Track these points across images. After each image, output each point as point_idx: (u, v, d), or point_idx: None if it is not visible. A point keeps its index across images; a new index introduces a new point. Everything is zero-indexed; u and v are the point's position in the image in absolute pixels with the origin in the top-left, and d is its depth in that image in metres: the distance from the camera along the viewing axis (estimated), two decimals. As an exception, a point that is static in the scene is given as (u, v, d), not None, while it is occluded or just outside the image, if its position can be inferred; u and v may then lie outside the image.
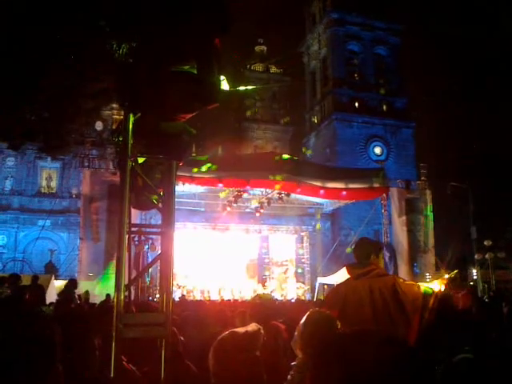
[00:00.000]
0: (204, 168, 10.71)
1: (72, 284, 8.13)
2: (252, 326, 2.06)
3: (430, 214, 16.10)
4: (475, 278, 20.50)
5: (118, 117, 22.94)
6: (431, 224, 16.10)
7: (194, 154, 9.38)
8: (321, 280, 15.97)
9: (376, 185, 14.38)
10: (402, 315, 2.61)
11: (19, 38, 6.49)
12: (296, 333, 2.03)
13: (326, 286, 15.08)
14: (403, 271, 14.72)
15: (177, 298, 12.01)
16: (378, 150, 27.90)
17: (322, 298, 12.70)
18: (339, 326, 2.03)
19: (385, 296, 2.65)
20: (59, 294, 8.35)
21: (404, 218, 15.39)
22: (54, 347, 1.63)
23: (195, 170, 10.27)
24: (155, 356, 2.44)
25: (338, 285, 3.07)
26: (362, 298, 2.65)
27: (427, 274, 15.82)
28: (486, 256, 17.95)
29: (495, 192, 24.15)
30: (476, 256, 18.80)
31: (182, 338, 3.47)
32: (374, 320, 2.59)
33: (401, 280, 2.86)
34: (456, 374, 1.51)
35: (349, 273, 2.90)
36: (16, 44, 6.37)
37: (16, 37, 6.44)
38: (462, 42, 30.50)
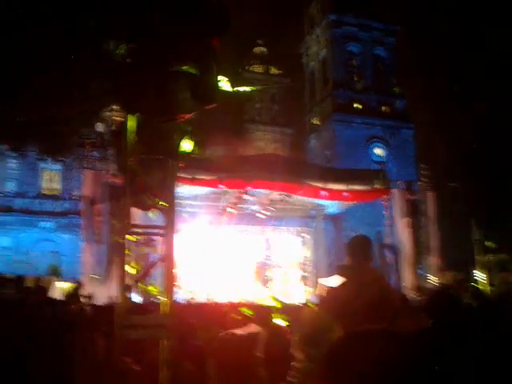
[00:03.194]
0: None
1: (79, 286, 8.18)
2: (252, 328, 2.05)
3: (433, 216, 16.07)
4: (477, 279, 20.45)
5: (118, 118, 22.88)
6: (434, 225, 16.08)
7: (195, 156, 9.30)
8: (321, 281, 15.87)
9: (377, 186, 14.33)
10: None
11: (16, 37, 6.52)
12: (296, 336, 2.01)
13: (325, 288, 14.97)
14: (407, 273, 14.66)
15: (181, 301, 11.90)
16: (378, 151, 27.89)
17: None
18: (336, 326, 2.02)
19: (389, 301, 2.59)
20: (66, 296, 8.35)
21: (406, 219, 15.34)
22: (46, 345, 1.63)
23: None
24: (153, 355, 2.45)
25: (336, 288, 2.91)
26: (370, 305, 2.48)
27: (431, 276, 15.76)
28: (489, 258, 17.90)
29: (498, 193, 24.07)
30: (478, 257, 18.74)
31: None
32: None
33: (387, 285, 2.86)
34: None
35: (345, 275, 2.77)
36: (12, 43, 6.41)
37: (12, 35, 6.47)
38: (461, 42, 30.43)
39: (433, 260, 16.13)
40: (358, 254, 2.84)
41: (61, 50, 6.66)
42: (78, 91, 7.87)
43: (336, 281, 2.90)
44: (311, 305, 12.06)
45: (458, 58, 28.99)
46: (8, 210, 25.27)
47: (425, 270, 16.09)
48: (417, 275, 15.27)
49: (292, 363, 2.03)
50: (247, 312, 4.04)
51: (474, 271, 21.88)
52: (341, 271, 2.88)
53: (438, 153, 24.07)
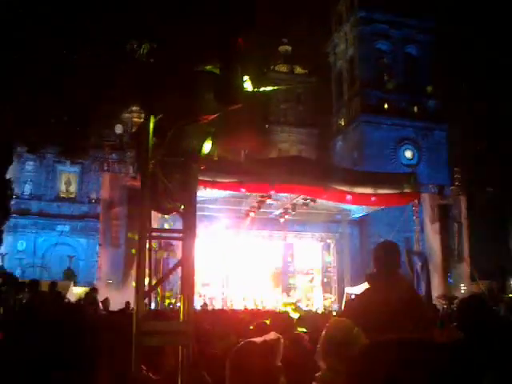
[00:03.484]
0: None
1: (95, 291, 8.20)
2: (271, 335, 1.98)
3: (465, 221, 15.37)
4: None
5: (137, 119, 22.67)
6: (466, 232, 15.37)
7: (216, 158, 9.05)
8: (348, 290, 15.46)
9: (407, 190, 13.82)
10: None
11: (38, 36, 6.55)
12: (318, 344, 2.00)
13: (352, 296, 14.55)
14: (436, 281, 14.02)
15: (198, 307, 11.78)
16: (408, 154, 27.02)
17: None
18: (362, 335, 1.96)
19: (419, 311, 2.59)
20: (84, 300, 8.37)
21: (437, 224, 14.71)
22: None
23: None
24: (165, 364, 2.38)
25: (363, 296, 2.88)
26: (399, 314, 2.47)
27: (462, 285, 15.05)
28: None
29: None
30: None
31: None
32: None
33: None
34: None
35: (374, 284, 2.71)
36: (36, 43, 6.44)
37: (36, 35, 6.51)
38: (503, 38, 28.92)
39: (464, 268, 15.42)
40: (386, 261, 2.75)
41: (85, 51, 6.67)
42: (103, 92, 7.90)
43: (364, 289, 2.84)
44: (336, 313, 11.74)
45: (498, 56, 27.49)
46: (25, 212, 24.85)
47: (455, 278, 15.38)
48: (447, 284, 14.61)
49: (314, 372, 1.98)
50: (266, 320, 3.92)
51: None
52: (370, 279, 2.81)
53: (474, 155, 23.10)
